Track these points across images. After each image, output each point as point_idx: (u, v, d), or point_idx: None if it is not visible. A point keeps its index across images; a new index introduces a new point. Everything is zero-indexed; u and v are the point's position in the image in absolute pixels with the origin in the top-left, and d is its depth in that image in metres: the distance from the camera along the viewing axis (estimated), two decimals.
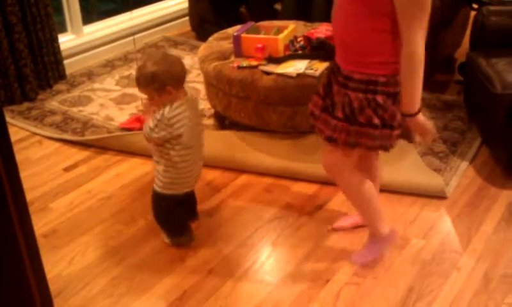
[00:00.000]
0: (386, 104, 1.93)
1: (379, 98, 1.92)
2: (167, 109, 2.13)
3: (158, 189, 2.29)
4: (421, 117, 1.93)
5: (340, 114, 1.98)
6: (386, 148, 2.01)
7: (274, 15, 4.21)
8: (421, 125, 1.94)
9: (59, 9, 4.22)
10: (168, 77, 2.10)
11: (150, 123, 2.17)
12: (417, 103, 1.89)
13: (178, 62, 2.18)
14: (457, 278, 2.21)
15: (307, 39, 3.25)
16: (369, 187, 2.18)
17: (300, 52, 3.19)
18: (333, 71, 2.07)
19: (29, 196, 2.72)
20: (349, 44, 1.95)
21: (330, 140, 2.04)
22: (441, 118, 3.29)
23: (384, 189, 2.68)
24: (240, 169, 2.93)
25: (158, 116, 2.14)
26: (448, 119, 3.28)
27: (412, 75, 1.85)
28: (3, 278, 1.39)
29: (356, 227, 2.46)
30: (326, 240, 2.43)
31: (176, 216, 2.39)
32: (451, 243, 2.40)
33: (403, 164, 2.85)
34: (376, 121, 1.93)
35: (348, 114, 1.96)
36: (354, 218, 2.48)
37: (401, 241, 2.41)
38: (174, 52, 4.47)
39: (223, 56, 3.26)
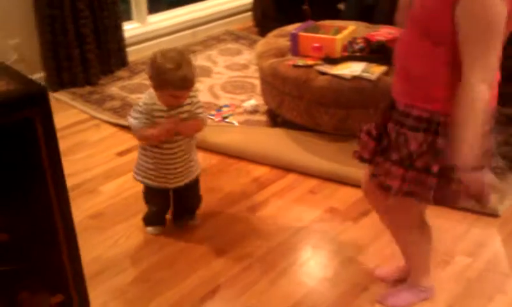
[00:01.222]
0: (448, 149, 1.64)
1: (440, 142, 1.65)
2: (192, 94, 2.28)
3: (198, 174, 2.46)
4: (477, 175, 1.59)
5: (395, 156, 1.72)
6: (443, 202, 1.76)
7: (336, 15, 4.17)
8: (476, 184, 1.60)
9: None
10: None
11: (202, 115, 2.30)
12: (468, 158, 1.56)
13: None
14: (501, 302, 2.12)
15: (367, 41, 3.20)
16: (427, 240, 1.99)
17: (358, 54, 3.14)
18: (388, 108, 1.82)
19: (81, 178, 2.83)
20: (410, 73, 1.70)
21: (386, 188, 1.77)
22: (502, 132, 3.15)
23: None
24: (287, 168, 2.91)
25: (198, 104, 2.30)
26: (509, 134, 3.14)
27: (465, 123, 1.54)
28: (39, 261, 1.43)
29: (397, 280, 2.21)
30: (368, 248, 2.38)
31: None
32: (499, 264, 2.30)
33: None
34: (435, 168, 1.67)
35: (404, 157, 1.70)
36: (396, 269, 2.23)
37: (446, 257, 2.33)
38: (235, 46, 4.50)
39: (280, 53, 3.25)
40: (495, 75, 1.54)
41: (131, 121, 2.25)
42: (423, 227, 1.99)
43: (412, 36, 1.69)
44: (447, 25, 1.54)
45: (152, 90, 2.23)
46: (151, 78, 2.20)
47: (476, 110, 1.54)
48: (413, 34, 1.68)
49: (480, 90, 1.52)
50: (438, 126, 1.66)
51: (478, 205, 1.74)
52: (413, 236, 1.98)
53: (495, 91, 1.68)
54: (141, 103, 2.26)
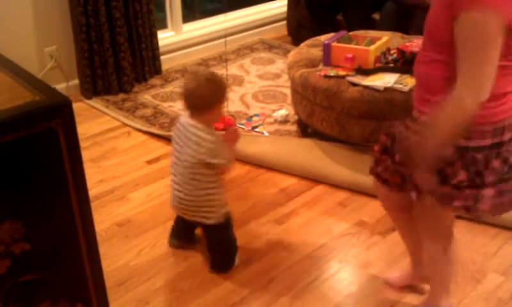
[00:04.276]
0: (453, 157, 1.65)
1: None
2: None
3: None
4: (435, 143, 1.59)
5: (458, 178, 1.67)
6: (468, 210, 1.71)
7: (371, 25, 4.12)
8: (426, 150, 1.59)
9: (161, 6, 4.38)
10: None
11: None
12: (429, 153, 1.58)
13: (192, 88, 2.13)
14: None
15: (401, 52, 3.14)
16: (454, 258, 1.97)
17: (391, 65, 3.09)
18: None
19: (110, 185, 2.86)
20: (419, 78, 1.74)
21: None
22: None
23: (467, 217, 2.54)
24: (316, 179, 2.88)
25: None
26: None
27: (440, 125, 1.56)
28: (61, 270, 1.45)
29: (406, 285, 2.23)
30: (396, 264, 2.33)
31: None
32: None
33: None
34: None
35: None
36: (407, 275, 2.24)
37: (477, 275, 2.26)
38: (268, 55, 4.50)
39: (312, 64, 3.23)
40: (489, 88, 1.52)
41: None
42: (451, 241, 1.93)
43: (425, 48, 1.70)
44: (448, 35, 1.55)
45: None
46: None
47: (455, 118, 1.55)
48: (426, 46, 1.70)
49: (466, 103, 1.51)
50: None
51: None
52: (440, 248, 1.92)
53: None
54: None
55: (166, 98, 3.79)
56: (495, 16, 1.47)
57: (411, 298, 2.16)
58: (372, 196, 2.74)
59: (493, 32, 1.48)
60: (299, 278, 2.26)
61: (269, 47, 4.69)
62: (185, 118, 2.18)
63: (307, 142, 3.14)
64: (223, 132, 2.30)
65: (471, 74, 1.52)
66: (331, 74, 3.02)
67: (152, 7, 3.92)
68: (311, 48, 3.42)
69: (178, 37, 4.45)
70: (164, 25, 4.44)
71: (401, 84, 2.88)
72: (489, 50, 1.50)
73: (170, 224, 2.56)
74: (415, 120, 1.72)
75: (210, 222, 2.21)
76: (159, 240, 2.47)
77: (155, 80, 4.05)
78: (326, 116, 3.02)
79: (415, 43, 3.20)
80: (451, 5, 1.52)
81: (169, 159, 3.05)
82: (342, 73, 3.03)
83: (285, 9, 4.88)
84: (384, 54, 3.15)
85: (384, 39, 3.19)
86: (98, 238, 2.42)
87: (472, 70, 1.52)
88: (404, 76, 2.95)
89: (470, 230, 2.50)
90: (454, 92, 1.53)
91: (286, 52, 4.47)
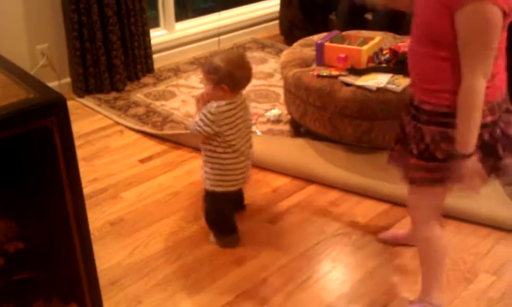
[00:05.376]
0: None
1: (451, 132, 1.78)
2: (214, 105, 2.21)
3: (208, 187, 2.34)
4: (473, 161, 1.75)
5: (414, 151, 1.87)
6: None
7: (364, 25, 4.13)
8: (471, 170, 1.75)
9: (154, 4, 4.37)
10: (228, 76, 2.19)
11: (197, 117, 2.27)
12: (470, 145, 1.73)
13: (246, 68, 2.28)
14: None
15: (393, 52, 3.15)
16: (445, 246, 2.05)
17: (384, 65, 3.10)
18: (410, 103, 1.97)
19: (104, 183, 2.85)
20: (416, 71, 1.87)
21: (411, 182, 1.94)
22: None
23: (458, 217, 2.55)
24: (309, 179, 2.88)
25: (205, 110, 2.22)
26: None
27: (467, 112, 1.71)
28: (55, 269, 1.44)
29: (397, 244, 2.43)
30: (388, 263, 2.34)
31: (226, 215, 2.45)
32: None
33: (481, 192, 2.68)
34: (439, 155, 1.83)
35: (422, 150, 1.84)
36: (399, 233, 2.47)
37: (469, 275, 2.28)
38: (260, 54, 4.50)
39: (305, 63, 3.23)
40: (491, 68, 1.70)
41: None
42: (441, 228, 2.02)
43: (414, 37, 1.84)
44: (447, 31, 1.69)
45: None
46: None
47: (478, 104, 1.70)
48: (416, 34, 1.83)
49: (481, 86, 1.68)
50: (446, 118, 1.78)
51: (469, 191, 1.88)
52: (432, 232, 1.99)
53: (500, 83, 1.81)
54: None
55: (159, 96, 3.79)
56: (494, 5, 1.60)
57: (403, 298, 2.16)
58: (365, 195, 2.76)
59: (495, 20, 1.63)
60: (292, 278, 2.27)
61: (261, 46, 4.69)
62: (226, 103, 2.23)
63: (300, 142, 3.14)
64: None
65: (478, 61, 1.67)
66: (324, 74, 3.03)
67: (144, 6, 3.90)
68: (304, 47, 3.42)
69: (171, 36, 4.44)
70: (156, 24, 4.42)
71: (394, 84, 2.90)
72: (494, 36, 1.65)
73: (162, 223, 2.57)
74: (417, 108, 1.86)
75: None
76: (151, 239, 2.47)
77: (147, 79, 4.04)
78: (318, 115, 3.03)
79: (407, 43, 3.21)
80: (449, 1, 1.65)
81: (161, 158, 3.08)
82: (334, 73, 3.03)
83: (277, 8, 4.88)
84: (376, 54, 3.16)
85: (376, 40, 3.20)
86: (91, 237, 2.44)
87: (479, 58, 1.67)
88: (397, 76, 2.96)
89: (461, 231, 2.51)
90: (465, 82, 1.69)
91: (278, 52, 4.47)
